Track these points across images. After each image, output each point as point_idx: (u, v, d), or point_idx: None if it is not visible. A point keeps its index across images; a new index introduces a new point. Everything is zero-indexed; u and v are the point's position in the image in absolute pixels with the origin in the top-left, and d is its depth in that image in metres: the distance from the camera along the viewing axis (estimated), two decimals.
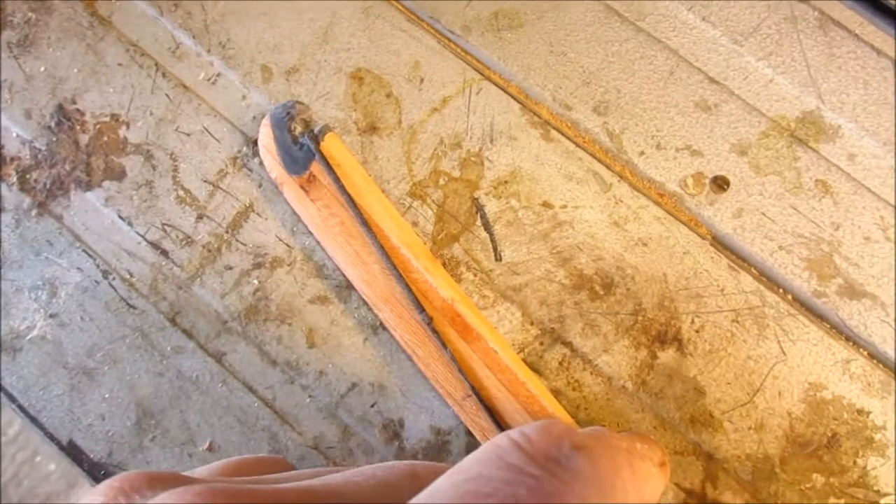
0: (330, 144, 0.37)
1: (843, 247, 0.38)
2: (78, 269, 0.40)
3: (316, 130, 0.37)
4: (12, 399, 0.39)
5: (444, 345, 0.35)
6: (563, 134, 0.40)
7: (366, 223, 0.36)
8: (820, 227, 0.38)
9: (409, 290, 0.36)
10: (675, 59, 0.40)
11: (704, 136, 0.39)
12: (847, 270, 0.38)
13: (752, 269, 0.38)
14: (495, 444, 0.22)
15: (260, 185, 0.40)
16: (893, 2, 0.39)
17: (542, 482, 0.21)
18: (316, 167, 0.37)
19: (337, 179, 0.36)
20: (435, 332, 0.35)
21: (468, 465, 0.21)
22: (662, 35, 0.40)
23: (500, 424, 0.35)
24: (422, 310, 0.35)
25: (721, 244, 0.38)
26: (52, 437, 0.39)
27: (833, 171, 0.38)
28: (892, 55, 0.39)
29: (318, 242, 0.39)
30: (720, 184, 0.39)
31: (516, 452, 0.22)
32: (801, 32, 0.40)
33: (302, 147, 0.37)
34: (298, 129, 0.38)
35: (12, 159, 0.41)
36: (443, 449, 0.37)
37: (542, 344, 0.38)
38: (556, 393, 0.37)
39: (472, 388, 0.35)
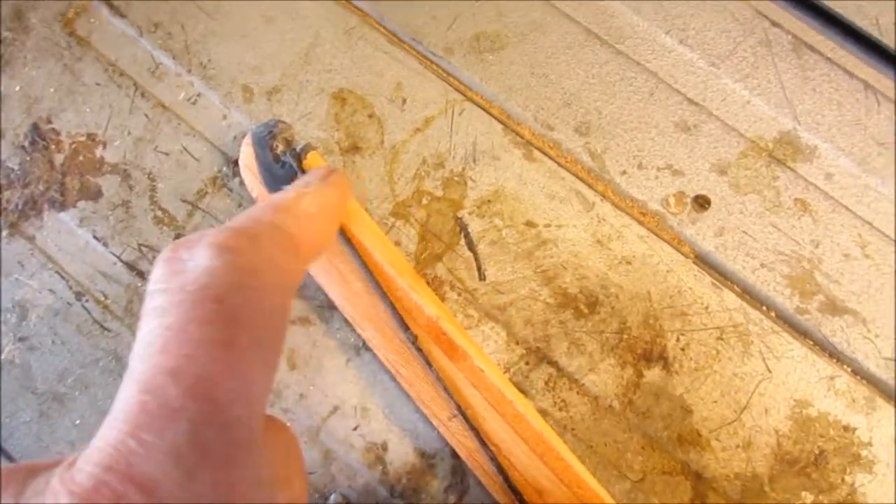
0: (312, 163, 0.37)
1: (823, 264, 0.38)
2: (50, 290, 0.39)
3: (298, 149, 0.37)
4: None
5: (429, 363, 0.35)
6: (545, 154, 0.40)
7: (349, 241, 0.35)
8: (800, 244, 0.38)
9: (394, 308, 0.35)
10: (654, 81, 0.41)
11: (685, 156, 0.40)
12: (828, 287, 0.38)
13: (735, 287, 0.38)
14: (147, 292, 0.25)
15: (240, 205, 0.39)
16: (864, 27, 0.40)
17: (171, 295, 0.23)
18: None
19: None
20: (420, 350, 0.35)
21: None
22: (641, 58, 0.41)
23: (487, 445, 0.34)
24: (406, 328, 0.35)
25: (704, 262, 0.39)
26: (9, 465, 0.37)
27: (811, 190, 0.39)
28: (863, 77, 0.40)
29: None
30: (701, 203, 0.39)
31: (155, 284, 0.24)
32: (775, 56, 0.41)
33: (284, 165, 0.37)
34: (280, 148, 0.37)
35: None
36: (427, 472, 0.37)
37: (527, 363, 0.37)
38: (543, 413, 0.37)
39: (459, 407, 0.34)
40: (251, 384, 0.24)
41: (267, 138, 0.37)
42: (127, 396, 0.22)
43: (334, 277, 0.36)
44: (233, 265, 0.24)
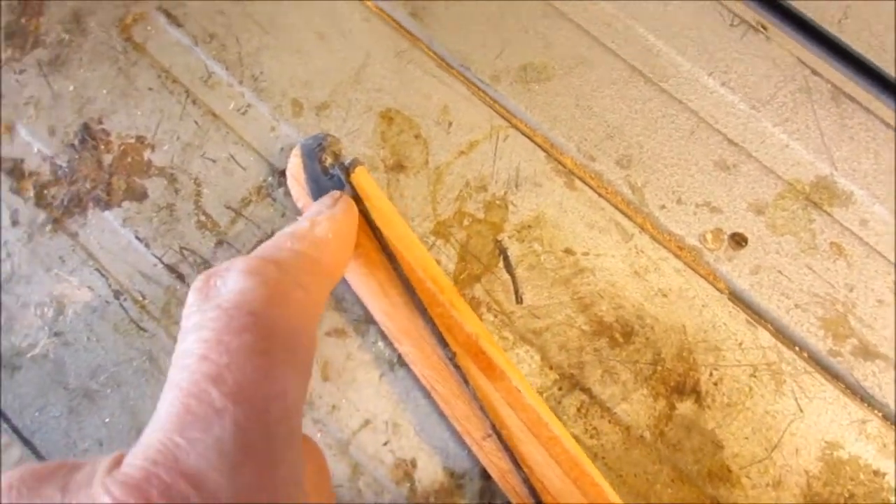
0: (360, 177, 0.37)
1: (857, 308, 0.39)
2: (89, 287, 0.39)
3: (346, 162, 0.38)
4: (6, 419, 0.37)
5: (466, 381, 0.35)
6: (586, 184, 0.40)
7: (392, 256, 0.36)
8: (835, 287, 0.39)
9: (434, 324, 0.35)
10: (695, 120, 0.41)
11: (723, 194, 0.40)
12: (861, 331, 0.38)
13: (769, 326, 0.39)
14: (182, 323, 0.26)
15: (283, 215, 0.40)
16: None
17: (206, 312, 0.25)
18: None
19: (366, 211, 0.36)
20: (458, 367, 0.35)
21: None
22: (684, 97, 0.42)
23: (521, 466, 0.34)
24: (445, 344, 0.35)
25: (739, 299, 0.39)
26: (44, 461, 0.37)
27: (846, 235, 0.40)
28: None
29: None
30: (738, 240, 0.40)
31: (189, 308, 0.26)
32: (814, 103, 0.42)
33: (332, 178, 0.37)
34: (329, 161, 0.38)
35: (31, 174, 0.40)
36: (456, 492, 0.36)
37: (560, 389, 0.38)
38: (574, 439, 0.36)
39: (494, 427, 0.34)
40: (287, 390, 0.25)
41: (316, 150, 0.38)
42: (171, 400, 0.23)
43: (375, 290, 0.36)
44: (263, 285, 0.26)
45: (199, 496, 0.21)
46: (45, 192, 0.40)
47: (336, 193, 0.35)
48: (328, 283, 0.31)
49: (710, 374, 0.38)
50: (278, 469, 0.23)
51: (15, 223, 0.40)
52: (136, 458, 0.22)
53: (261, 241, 0.39)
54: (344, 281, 0.38)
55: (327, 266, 0.30)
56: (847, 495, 0.36)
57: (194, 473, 0.22)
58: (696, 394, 0.37)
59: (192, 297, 0.27)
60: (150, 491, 0.21)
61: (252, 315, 0.25)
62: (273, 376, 0.24)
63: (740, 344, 0.38)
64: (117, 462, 0.23)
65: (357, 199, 0.36)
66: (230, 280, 0.26)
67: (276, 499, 0.23)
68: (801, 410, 0.37)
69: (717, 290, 0.39)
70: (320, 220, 0.32)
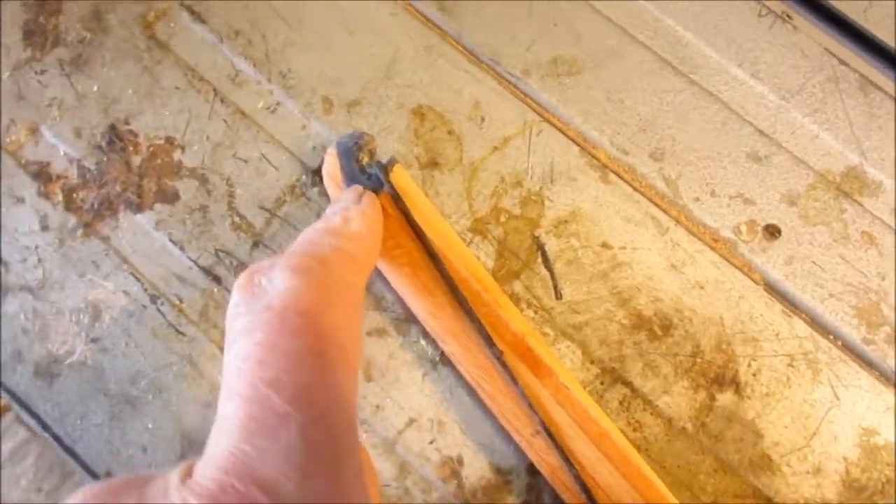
0: (398, 175, 0.37)
1: (889, 296, 0.39)
2: (124, 292, 0.38)
3: (384, 161, 0.37)
4: (46, 427, 0.37)
5: (514, 380, 0.35)
6: (620, 177, 0.41)
7: (436, 255, 0.36)
8: (867, 276, 0.39)
9: (480, 322, 0.35)
10: (726, 112, 0.42)
11: (756, 186, 0.41)
12: (894, 319, 0.39)
13: (804, 315, 0.39)
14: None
15: (318, 215, 0.39)
16: None
17: (257, 314, 0.25)
18: (383, 198, 0.37)
19: (406, 210, 0.36)
20: (505, 366, 0.35)
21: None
22: (714, 88, 0.42)
23: (571, 462, 0.34)
24: (492, 343, 0.35)
25: (774, 290, 0.39)
26: (88, 469, 0.36)
27: (877, 224, 0.40)
28: None
29: (379, 273, 0.38)
30: (772, 231, 0.40)
31: (236, 308, 0.26)
32: (843, 93, 0.42)
33: (370, 177, 0.37)
34: (365, 160, 0.37)
35: (58, 177, 0.40)
36: (503, 488, 0.37)
37: (602, 383, 0.38)
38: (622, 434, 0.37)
39: (543, 423, 0.34)
40: (343, 389, 0.25)
41: (353, 149, 0.37)
42: (233, 409, 0.24)
43: (418, 290, 0.36)
44: (311, 284, 0.26)
45: None
46: (74, 195, 0.40)
47: (359, 188, 0.35)
48: (364, 278, 0.31)
49: (749, 365, 0.38)
50: (345, 472, 0.24)
51: (45, 228, 0.39)
52: (208, 468, 0.22)
53: None
54: (384, 280, 0.38)
55: (363, 261, 0.31)
56: (884, 480, 0.37)
57: (266, 482, 0.22)
58: (736, 384, 0.38)
59: (237, 296, 0.27)
60: (227, 500, 0.21)
61: (304, 316, 0.25)
62: (329, 377, 0.25)
63: (777, 334, 0.39)
64: (188, 472, 0.23)
65: (397, 198, 0.36)
66: (276, 279, 0.26)
67: (345, 500, 0.23)
68: (838, 398, 0.38)
69: (753, 281, 0.39)
70: (352, 215, 0.32)
